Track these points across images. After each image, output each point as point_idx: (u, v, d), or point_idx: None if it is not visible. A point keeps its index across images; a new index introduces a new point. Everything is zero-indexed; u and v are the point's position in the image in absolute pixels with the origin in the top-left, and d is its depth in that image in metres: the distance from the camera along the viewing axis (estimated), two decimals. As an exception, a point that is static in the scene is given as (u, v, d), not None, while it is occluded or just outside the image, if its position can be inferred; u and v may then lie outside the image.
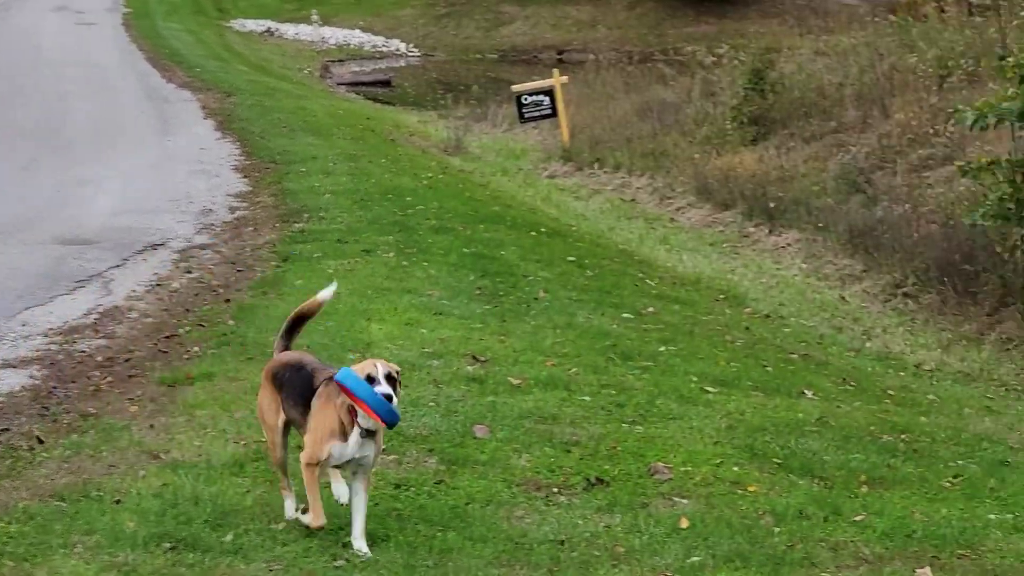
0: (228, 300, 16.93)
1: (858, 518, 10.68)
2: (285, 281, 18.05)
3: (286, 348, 9.72)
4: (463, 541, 9.30)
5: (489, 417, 12.35)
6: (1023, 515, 11.16)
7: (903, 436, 13.52)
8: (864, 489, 11.51)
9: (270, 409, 9.44)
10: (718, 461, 11.80)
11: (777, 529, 10.26)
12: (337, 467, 9.16)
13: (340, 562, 8.74)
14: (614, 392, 13.78)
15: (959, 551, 10.15)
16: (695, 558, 9.42)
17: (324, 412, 8.83)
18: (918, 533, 10.45)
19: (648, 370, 15.10)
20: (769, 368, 16.50)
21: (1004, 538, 10.55)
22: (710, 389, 14.54)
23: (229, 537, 8.93)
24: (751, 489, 11.16)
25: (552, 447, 11.55)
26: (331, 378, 8.79)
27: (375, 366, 8.63)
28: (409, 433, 11.66)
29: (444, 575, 8.68)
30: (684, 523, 10.09)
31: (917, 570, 9.67)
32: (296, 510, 9.47)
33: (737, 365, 16.17)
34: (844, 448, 12.71)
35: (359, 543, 8.99)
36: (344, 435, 8.76)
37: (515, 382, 13.78)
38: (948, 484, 11.95)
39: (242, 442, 11.04)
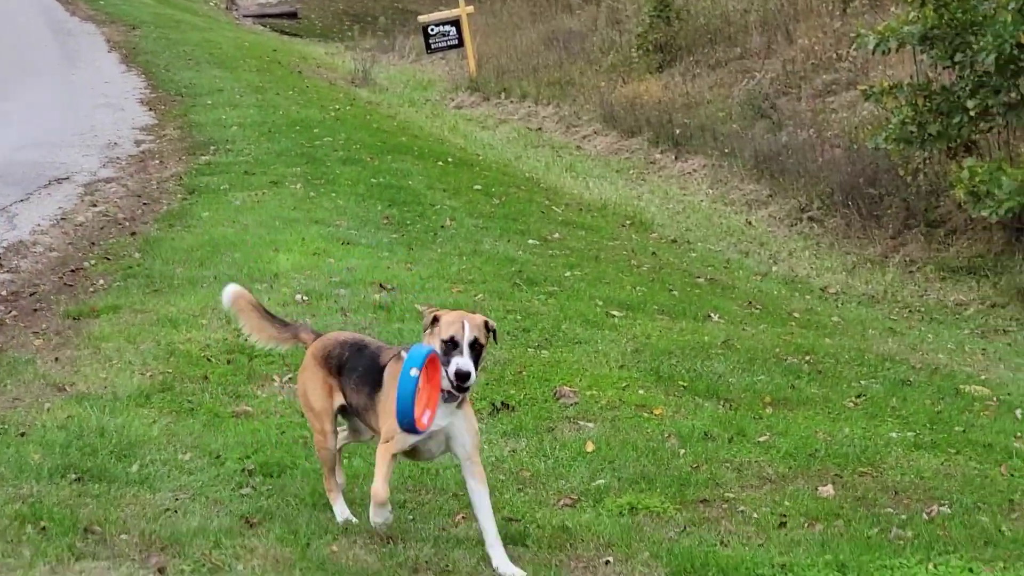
0: (134, 233, 16.79)
1: (762, 439, 10.82)
2: (192, 214, 17.94)
3: (291, 325, 8.92)
4: (368, 467, 9.29)
5: (395, 343, 12.34)
6: (924, 433, 11.36)
7: (807, 358, 13.70)
8: (768, 410, 11.66)
9: (318, 393, 8.44)
10: (624, 385, 11.90)
11: (682, 451, 10.37)
12: (421, 454, 8.04)
13: (247, 490, 8.73)
14: (520, 317, 13.85)
15: (861, 469, 10.32)
16: (600, 481, 9.51)
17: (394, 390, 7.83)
18: (821, 452, 10.61)
19: (554, 295, 15.18)
20: (675, 292, 16.64)
21: (905, 455, 10.74)
22: (616, 313, 14.65)
23: (135, 468, 8.89)
24: (656, 412, 11.27)
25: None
26: (400, 354, 7.88)
27: (463, 326, 7.65)
28: (316, 362, 11.65)
29: (351, 501, 8.66)
30: (590, 447, 10.17)
31: (820, 488, 9.81)
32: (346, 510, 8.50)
33: (643, 290, 16.29)
34: (749, 370, 12.87)
35: (498, 558, 7.83)
36: None
37: (422, 309, 13.85)
38: (851, 404, 12.13)
39: (148, 374, 10.99)
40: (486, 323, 7.77)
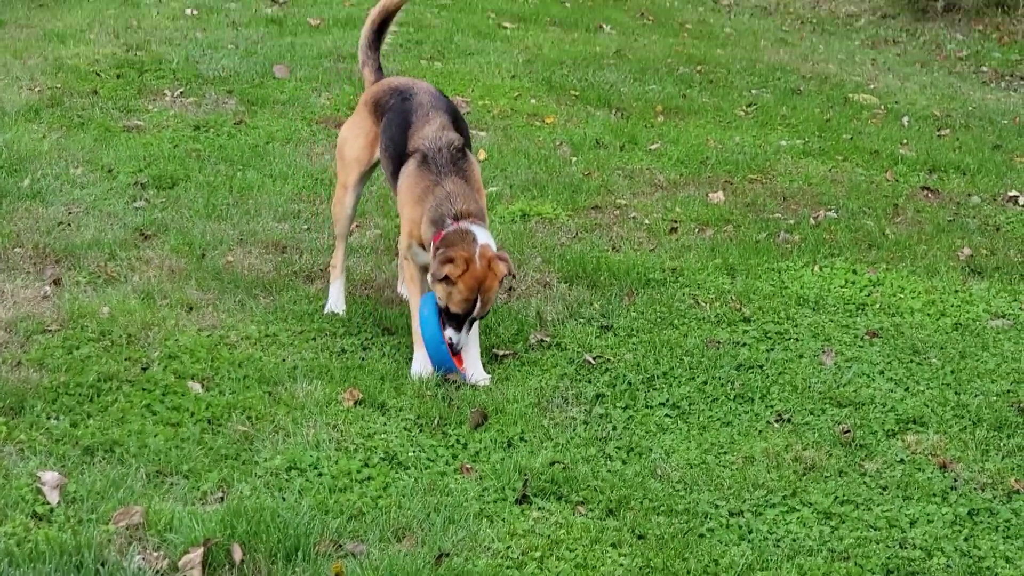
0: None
1: (654, 147, 10.92)
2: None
3: (378, 66, 7.78)
4: (263, 179, 9.32)
5: (288, 57, 12.27)
6: (812, 140, 11.52)
7: (699, 68, 13.75)
8: (660, 119, 11.75)
9: (356, 143, 7.47)
10: (516, 95, 11.91)
11: (574, 159, 10.45)
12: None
13: (140, 203, 8.71)
14: (412, 30, 13.75)
15: (751, 175, 10.47)
16: (493, 188, 9.56)
17: (404, 208, 7.01)
18: (712, 160, 10.74)
19: (446, 7, 15.08)
20: (567, 4, 16.55)
21: (793, 162, 10.90)
22: (508, 25, 14.59)
23: (26, 182, 8.82)
24: (548, 120, 11.31)
25: (352, 85, 11.51)
26: (425, 157, 6.88)
27: (473, 306, 6.68)
28: (208, 76, 11.54)
29: (245, 212, 8.70)
30: (482, 155, 10.21)
31: (710, 194, 9.94)
32: (342, 303, 7.52)
33: (535, 1, 16.20)
34: (641, 80, 12.92)
35: (477, 372, 6.90)
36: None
37: (314, 22, 13.68)
38: (742, 113, 12.24)
39: (36, 89, 10.82)
40: (504, 277, 6.78)
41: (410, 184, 6.92)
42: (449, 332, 6.71)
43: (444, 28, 14.00)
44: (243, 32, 12.96)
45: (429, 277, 6.75)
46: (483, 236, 6.71)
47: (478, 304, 6.67)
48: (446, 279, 6.60)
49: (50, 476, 5.36)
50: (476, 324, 6.85)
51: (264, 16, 13.62)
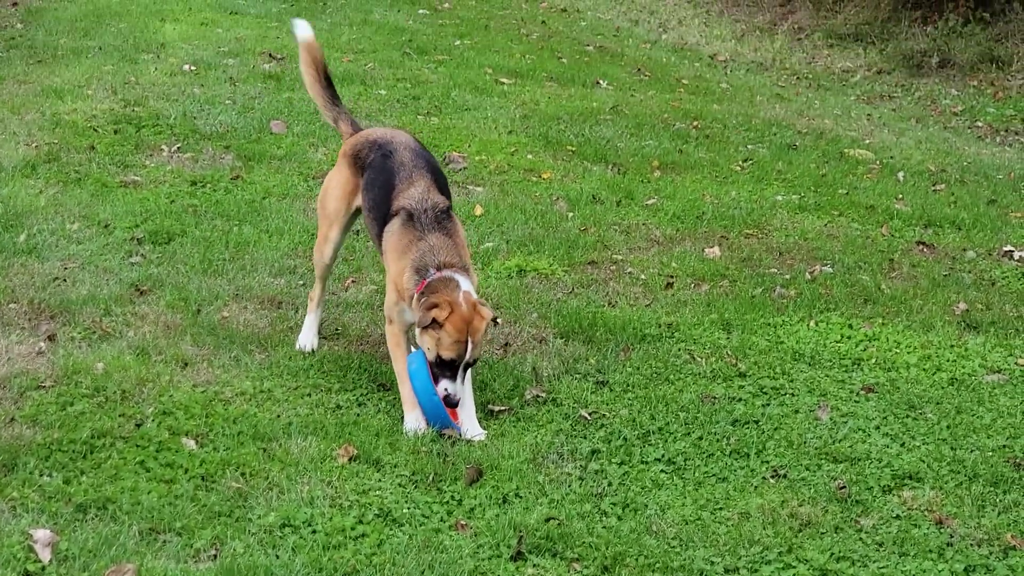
0: (15, 4, 16.44)
1: (650, 202, 10.94)
2: (73, -17, 17.59)
3: (351, 118, 7.91)
4: (259, 234, 9.33)
5: (286, 113, 12.31)
6: (808, 195, 11.53)
7: (696, 123, 13.79)
8: (656, 174, 11.77)
9: (336, 194, 7.56)
10: (512, 150, 11.94)
11: (571, 214, 10.46)
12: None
13: (136, 258, 8.71)
14: (410, 86, 13.82)
15: (747, 230, 10.48)
16: (489, 244, 9.58)
17: (391, 266, 7.06)
18: (708, 215, 10.75)
19: (443, 64, 15.14)
20: (564, 60, 16.62)
21: (790, 217, 10.91)
22: (505, 80, 14.65)
23: (23, 237, 8.83)
24: (545, 176, 11.34)
25: (349, 141, 11.52)
26: (411, 216, 6.94)
27: (465, 349, 6.63)
28: (205, 131, 11.57)
29: (241, 268, 8.71)
30: (479, 210, 10.23)
31: (706, 249, 9.95)
32: (314, 337, 7.69)
33: (532, 58, 16.27)
34: (637, 135, 12.95)
35: (473, 428, 6.88)
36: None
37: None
38: (738, 168, 12.27)
39: (33, 144, 10.84)
40: (490, 322, 6.81)
41: (395, 241, 7.00)
42: (444, 384, 6.67)
43: (441, 83, 14.07)
44: (241, 88, 13.00)
45: (416, 331, 6.72)
46: (466, 284, 6.74)
47: (469, 347, 6.62)
48: (433, 323, 6.57)
49: (42, 534, 5.34)
50: (469, 377, 6.85)
51: (262, 72, 13.67)
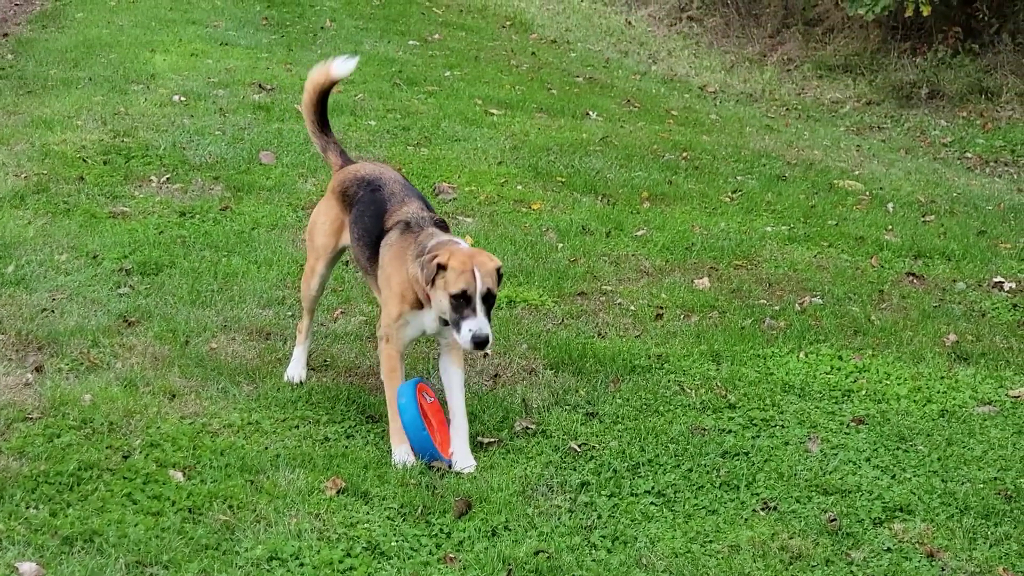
0: (6, 35, 16.42)
1: (640, 233, 10.93)
2: (65, 14, 17.61)
3: (340, 148, 7.84)
4: (248, 265, 9.31)
5: (275, 143, 12.30)
6: (798, 226, 11.54)
7: (685, 154, 13.80)
8: (646, 205, 11.77)
9: (324, 229, 7.56)
10: (502, 181, 11.94)
11: (560, 245, 10.46)
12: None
13: (125, 289, 8.69)
14: (399, 116, 13.83)
15: (736, 262, 10.48)
16: (480, 275, 9.55)
17: (392, 275, 6.97)
18: (697, 246, 10.75)
19: (433, 95, 15.16)
20: (554, 91, 16.65)
21: (779, 248, 10.92)
22: (495, 112, 14.66)
23: (10, 268, 8.80)
24: (535, 207, 11.34)
25: (338, 172, 11.51)
26: (408, 224, 6.98)
27: (474, 276, 6.48)
28: (194, 162, 11.56)
29: (230, 299, 8.68)
30: (469, 241, 10.20)
31: (696, 280, 9.95)
32: (303, 369, 7.68)
33: (522, 89, 16.30)
34: (627, 166, 12.96)
35: (460, 450, 6.87)
36: (419, 303, 6.87)
37: (300, 109, 13.74)
38: (727, 199, 12.27)
39: (23, 175, 10.82)
40: (497, 269, 6.66)
41: (395, 248, 6.97)
42: (466, 324, 6.45)
43: (431, 114, 14.08)
44: (231, 118, 12.99)
45: (424, 286, 6.63)
46: (466, 247, 6.73)
47: (477, 276, 6.43)
48: (438, 270, 6.52)
49: (28, 567, 5.31)
50: (463, 403, 6.88)
51: (252, 102, 13.66)
